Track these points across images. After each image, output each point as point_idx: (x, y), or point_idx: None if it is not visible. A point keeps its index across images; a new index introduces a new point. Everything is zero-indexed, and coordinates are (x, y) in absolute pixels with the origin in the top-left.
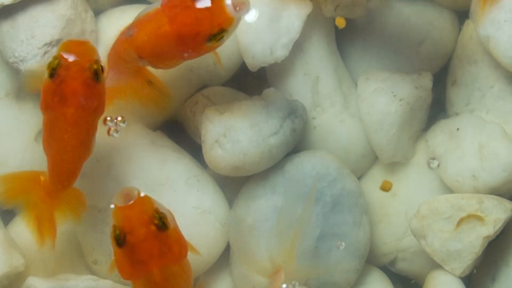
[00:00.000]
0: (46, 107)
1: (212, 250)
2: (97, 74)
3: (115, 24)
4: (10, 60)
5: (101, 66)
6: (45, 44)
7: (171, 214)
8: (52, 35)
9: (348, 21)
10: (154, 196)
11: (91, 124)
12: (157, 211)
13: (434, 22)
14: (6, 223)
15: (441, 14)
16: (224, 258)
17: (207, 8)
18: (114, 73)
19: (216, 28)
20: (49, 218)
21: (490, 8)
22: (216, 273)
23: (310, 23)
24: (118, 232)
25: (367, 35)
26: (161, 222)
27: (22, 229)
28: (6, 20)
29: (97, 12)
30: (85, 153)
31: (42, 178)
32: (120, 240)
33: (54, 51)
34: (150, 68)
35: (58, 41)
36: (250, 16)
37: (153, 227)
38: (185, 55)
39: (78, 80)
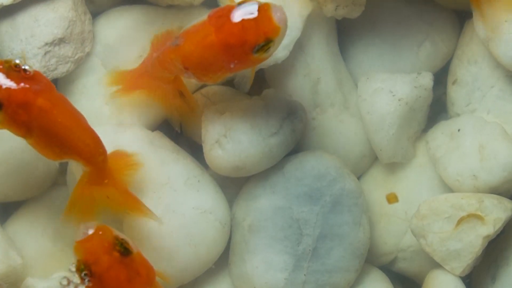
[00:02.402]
0: (26, 128)
1: (212, 250)
2: (16, 65)
3: (113, 25)
4: None
5: (11, 61)
6: (46, 44)
7: (131, 241)
8: (55, 34)
9: (348, 21)
10: (155, 197)
11: (60, 96)
12: (117, 237)
13: (434, 22)
14: (4, 222)
15: (441, 14)
16: (224, 258)
17: (253, 18)
18: (152, 78)
19: (262, 38)
20: (125, 194)
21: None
22: (216, 273)
23: (311, 23)
24: (83, 267)
25: (367, 35)
26: (123, 248)
27: (21, 229)
28: (5, 20)
29: (96, 14)
30: (83, 117)
31: (85, 180)
32: (86, 275)
33: (55, 50)
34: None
35: (60, 40)
36: None
37: (116, 254)
38: (232, 65)
39: (15, 85)
